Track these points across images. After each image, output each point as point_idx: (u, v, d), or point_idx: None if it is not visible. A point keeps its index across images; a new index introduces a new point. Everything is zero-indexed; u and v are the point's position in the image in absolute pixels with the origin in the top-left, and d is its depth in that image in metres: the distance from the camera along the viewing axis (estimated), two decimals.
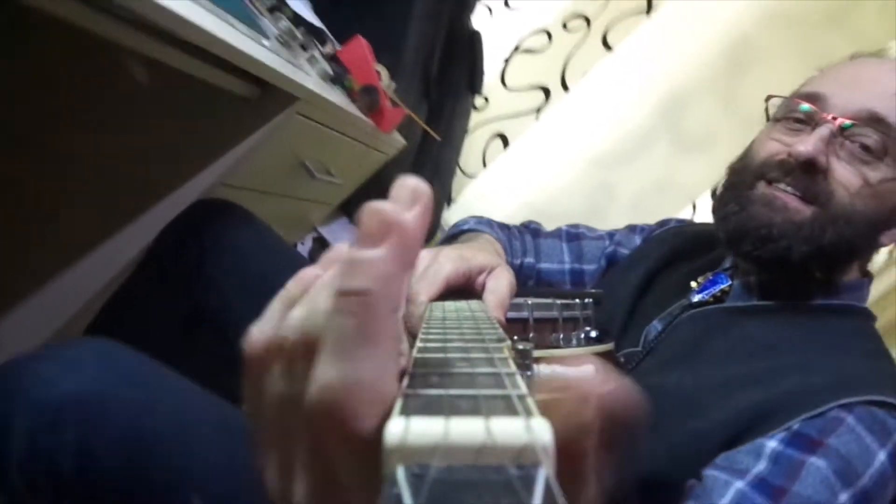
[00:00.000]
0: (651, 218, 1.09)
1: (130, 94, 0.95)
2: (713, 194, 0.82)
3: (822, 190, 0.69)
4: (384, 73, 1.30)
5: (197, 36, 0.71)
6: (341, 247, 0.27)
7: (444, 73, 1.77)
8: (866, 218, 0.69)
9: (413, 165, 1.71)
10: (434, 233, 1.91)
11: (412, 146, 1.61)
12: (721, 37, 1.81)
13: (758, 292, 0.75)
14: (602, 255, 1.00)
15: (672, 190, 1.87)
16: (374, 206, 0.21)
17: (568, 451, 0.18)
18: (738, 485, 0.56)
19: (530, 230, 1.02)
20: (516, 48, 2.09)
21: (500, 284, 0.68)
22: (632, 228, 1.05)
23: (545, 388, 0.22)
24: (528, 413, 0.18)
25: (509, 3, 2.10)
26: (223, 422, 0.60)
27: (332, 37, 1.26)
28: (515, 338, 0.41)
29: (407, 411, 0.18)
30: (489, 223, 0.94)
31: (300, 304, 0.25)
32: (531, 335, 0.67)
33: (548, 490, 0.15)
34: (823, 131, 0.69)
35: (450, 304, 0.60)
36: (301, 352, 0.23)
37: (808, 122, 0.72)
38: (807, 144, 0.68)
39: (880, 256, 1.59)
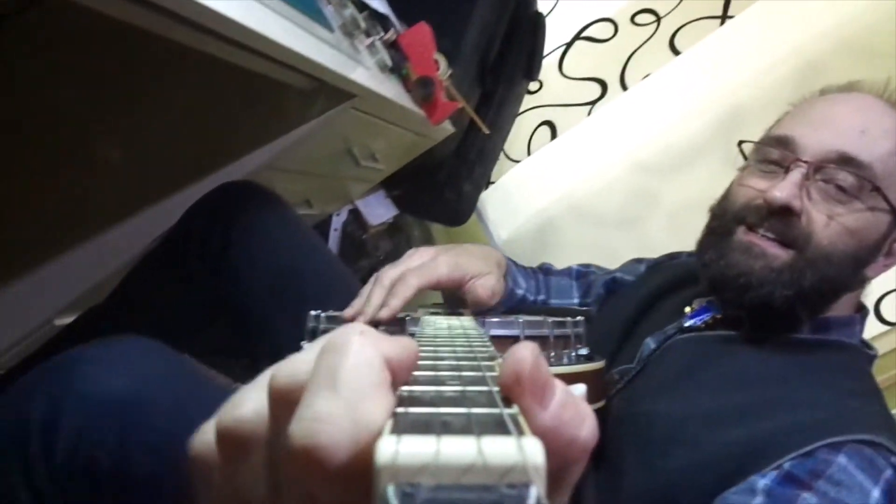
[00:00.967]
0: (685, 234, 1.08)
1: (187, 83, 0.95)
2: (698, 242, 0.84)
3: (800, 233, 0.70)
4: (443, 62, 1.27)
5: (249, 38, 0.70)
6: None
7: (502, 57, 1.72)
8: (846, 256, 0.70)
9: (458, 149, 1.69)
10: (469, 215, 1.90)
11: (459, 131, 1.59)
12: (794, 59, 1.73)
13: (747, 324, 0.75)
14: (601, 284, 1.00)
15: None
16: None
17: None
18: None
19: (542, 270, 1.03)
20: (578, 34, 2.02)
21: (483, 287, 0.75)
22: (638, 260, 1.05)
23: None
24: (520, 432, 0.18)
25: None
26: None
27: (395, 21, 1.23)
28: None
29: (398, 430, 0.18)
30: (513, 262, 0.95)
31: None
32: None
33: None
34: (795, 176, 0.70)
35: (441, 321, 0.61)
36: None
37: (781, 164, 0.73)
38: (781, 190, 0.70)
39: None
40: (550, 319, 0.69)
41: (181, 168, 1.01)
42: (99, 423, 0.53)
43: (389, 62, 1.11)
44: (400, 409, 0.20)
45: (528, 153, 2.05)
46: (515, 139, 2.00)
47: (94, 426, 0.52)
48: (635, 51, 1.95)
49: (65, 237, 0.97)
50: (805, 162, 0.70)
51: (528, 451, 0.17)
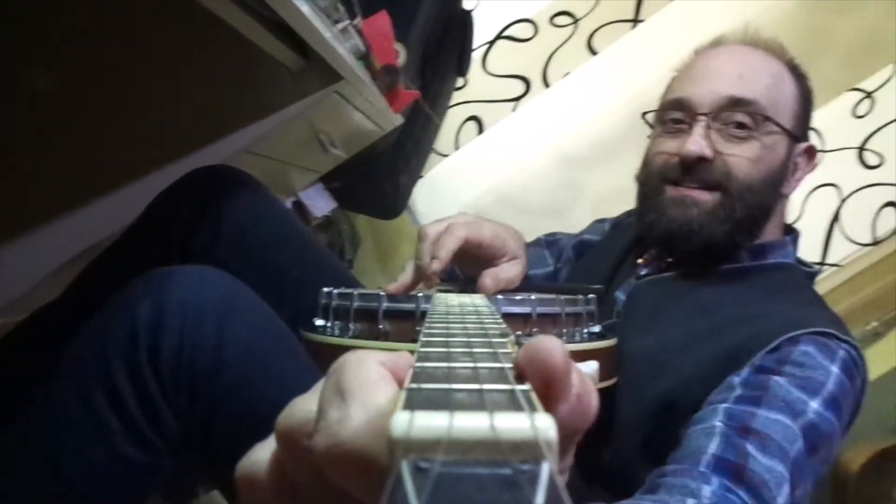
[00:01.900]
0: None
1: (174, 41, 0.90)
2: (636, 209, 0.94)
3: (720, 175, 0.81)
4: (402, 51, 1.29)
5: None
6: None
7: (438, 52, 1.76)
8: (764, 181, 0.81)
9: (397, 141, 1.70)
10: (403, 208, 1.92)
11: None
12: None
13: (697, 262, 0.85)
14: (570, 247, 1.07)
15: (632, 197, 1.96)
16: None
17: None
18: (723, 405, 0.64)
19: None
20: (500, 34, 2.10)
21: (511, 271, 0.78)
22: (600, 220, 1.14)
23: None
24: (532, 408, 0.18)
25: None
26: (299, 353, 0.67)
27: (360, 9, 1.23)
28: (519, 333, 0.44)
29: (411, 405, 0.18)
30: None
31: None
32: (534, 330, 0.69)
33: (551, 485, 0.15)
34: (699, 129, 0.81)
35: (453, 298, 0.63)
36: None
37: (685, 121, 0.83)
38: (692, 144, 0.80)
39: None
40: (563, 297, 0.72)
41: (155, 147, 0.95)
42: (199, 327, 0.56)
43: (363, 48, 1.12)
44: (413, 385, 0.20)
45: (456, 147, 2.10)
46: (443, 134, 2.04)
47: (195, 329, 0.56)
48: (556, 50, 2.05)
49: (8, 226, 0.88)
50: (703, 115, 0.80)
51: (540, 427, 0.17)
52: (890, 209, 1.91)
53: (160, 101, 0.92)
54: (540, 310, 0.69)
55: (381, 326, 0.66)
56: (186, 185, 0.85)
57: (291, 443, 0.23)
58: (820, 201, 1.92)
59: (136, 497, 0.61)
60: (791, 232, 0.90)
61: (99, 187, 0.92)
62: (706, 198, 0.80)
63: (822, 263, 1.94)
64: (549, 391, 0.20)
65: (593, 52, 2.03)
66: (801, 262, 0.88)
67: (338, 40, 0.98)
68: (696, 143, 0.79)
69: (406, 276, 0.71)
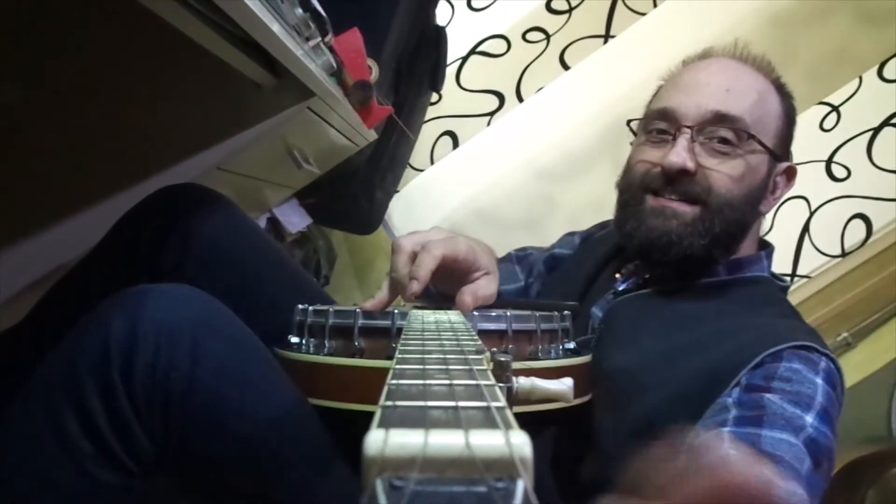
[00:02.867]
0: None
1: (142, 59, 0.89)
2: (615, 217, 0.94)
3: (701, 189, 0.81)
4: (375, 68, 1.29)
5: (243, 17, 0.68)
6: None
7: (411, 68, 1.76)
8: (743, 198, 0.82)
9: (372, 156, 1.70)
10: (379, 223, 1.92)
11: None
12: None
13: (674, 277, 0.86)
14: (541, 261, 1.07)
15: (607, 210, 1.95)
16: None
17: None
18: (725, 429, 0.63)
19: None
20: (473, 49, 2.11)
21: (489, 288, 0.78)
22: (570, 234, 1.15)
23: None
24: (508, 426, 0.18)
25: (472, 3, 2.12)
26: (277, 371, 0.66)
27: (331, 26, 1.23)
28: (494, 349, 0.44)
29: (386, 423, 0.18)
30: None
31: None
32: (510, 347, 0.69)
33: (526, 502, 0.15)
34: (683, 141, 0.81)
35: (429, 315, 0.63)
36: None
37: (669, 132, 0.83)
38: (675, 156, 0.80)
39: None
40: (538, 314, 0.72)
41: (123, 166, 0.94)
42: (173, 346, 0.55)
43: (334, 65, 1.11)
44: (388, 403, 0.20)
45: (432, 162, 2.10)
46: (418, 149, 2.04)
47: (169, 348, 0.55)
48: (529, 65, 2.07)
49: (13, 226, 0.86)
50: (688, 127, 0.81)
51: (515, 444, 0.17)
52: (858, 221, 1.95)
53: (129, 119, 0.91)
54: (515, 326, 0.69)
55: (356, 343, 0.65)
56: (153, 204, 0.84)
57: None
58: (790, 214, 1.95)
59: None
60: (766, 246, 0.90)
61: (64, 208, 0.90)
62: (686, 210, 0.81)
63: (792, 275, 1.96)
64: None
65: (566, 67, 2.05)
66: (774, 275, 0.88)
67: (309, 57, 0.97)
68: (680, 154, 0.79)
69: (382, 293, 0.71)
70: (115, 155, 0.93)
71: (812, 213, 1.97)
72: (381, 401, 0.20)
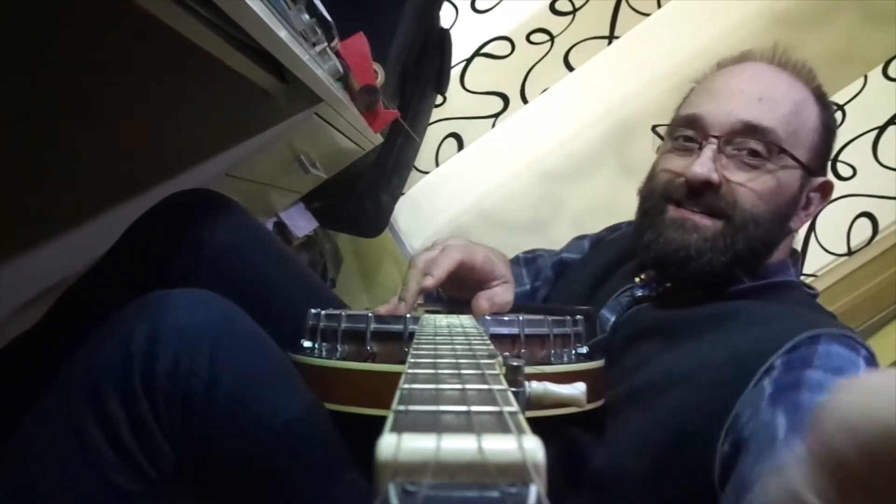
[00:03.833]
0: None
1: (152, 68, 0.89)
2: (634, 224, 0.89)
3: (725, 203, 0.77)
4: (381, 72, 1.30)
5: (251, 24, 0.68)
6: None
7: (416, 71, 1.77)
8: (770, 215, 0.77)
9: (377, 159, 1.70)
10: (385, 226, 1.92)
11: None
12: (673, 75, 1.93)
13: (696, 287, 0.81)
14: (549, 266, 1.06)
15: (613, 212, 1.96)
16: None
17: None
18: (760, 404, 0.58)
19: None
20: (477, 51, 2.12)
21: (505, 296, 0.76)
22: (580, 237, 1.12)
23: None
24: (521, 431, 0.18)
25: (476, 5, 2.12)
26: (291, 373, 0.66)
27: (337, 31, 1.23)
28: (507, 354, 0.44)
29: (399, 428, 0.18)
30: None
31: None
32: (522, 351, 0.69)
33: None
34: (709, 152, 0.77)
35: (441, 320, 0.63)
36: None
37: (696, 140, 0.80)
38: (699, 167, 0.76)
39: None
40: (550, 318, 0.71)
41: (132, 174, 0.94)
42: (194, 351, 0.55)
43: (341, 70, 1.12)
44: (401, 407, 0.20)
45: (437, 164, 2.11)
46: (423, 151, 2.05)
47: (190, 354, 0.55)
48: (533, 67, 2.07)
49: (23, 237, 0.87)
50: (715, 137, 0.76)
51: (528, 449, 0.17)
52: (864, 220, 1.94)
53: (139, 127, 0.92)
54: (528, 331, 0.68)
55: (369, 348, 0.65)
56: (164, 211, 0.84)
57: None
58: None
59: None
60: (794, 254, 0.86)
61: (75, 215, 0.91)
62: (707, 224, 0.77)
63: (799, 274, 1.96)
64: None
65: (570, 69, 2.06)
66: (804, 284, 0.85)
67: (316, 63, 0.98)
68: (704, 166, 0.76)
69: (396, 300, 0.71)
70: (124, 162, 0.94)
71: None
72: (394, 405, 0.20)
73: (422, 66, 1.79)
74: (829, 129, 0.83)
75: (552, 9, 2.07)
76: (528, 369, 0.44)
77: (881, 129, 1.95)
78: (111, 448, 0.53)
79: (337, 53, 1.20)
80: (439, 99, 2.05)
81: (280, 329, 0.79)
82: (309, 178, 1.29)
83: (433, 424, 0.18)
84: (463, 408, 0.20)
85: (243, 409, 0.57)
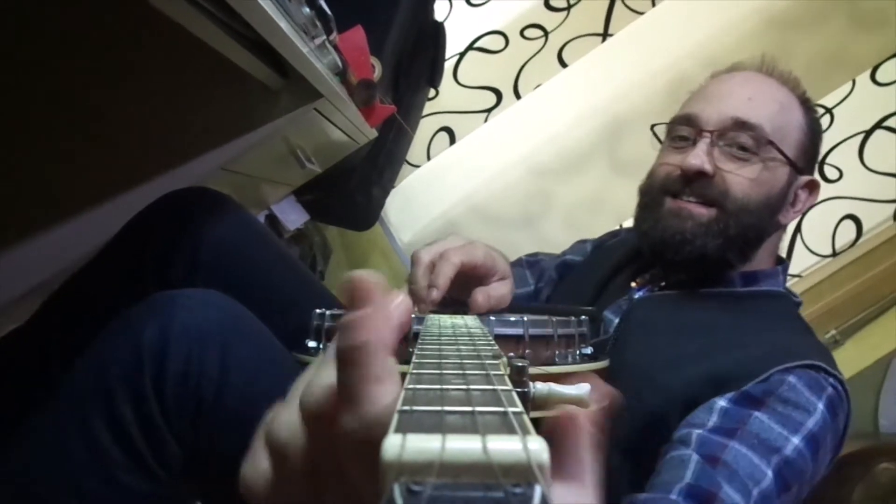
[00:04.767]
0: (578, 230, 1.20)
1: (152, 58, 0.88)
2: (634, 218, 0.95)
3: (718, 192, 0.83)
4: (378, 66, 1.29)
5: (254, 16, 0.67)
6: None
7: (410, 64, 1.76)
8: (760, 204, 0.84)
9: (370, 153, 1.69)
10: (376, 219, 1.92)
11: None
12: (665, 73, 1.95)
13: (689, 282, 0.87)
14: (553, 268, 1.08)
15: (603, 209, 2.00)
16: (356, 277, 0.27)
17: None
18: (698, 432, 0.66)
19: None
20: (471, 45, 2.11)
21: (502, 290, 0.76)
22: (582, 241, 1.16)
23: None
24: (525, 431, 0.18)
25: None
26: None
27: (335, 25, 1.22)
28: (511, 355, 0.45)
29: (403, 428, 0.18)
30: None
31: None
32: (527, 352, 0.70)
33: None
34: (703, 145, 0.84)
35: (446, 320, 0.63)
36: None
37: (690, 138, 0.86)
38: (694, 158, 0.83)
39: None
40: (555, 319, 0.70)
41: (129, 166, 0.93)
42: (204, 352, 0.56)
43: (340, 64, 1.11)
44: (405, 408, 0.20)
45: (428, 158, 2.10)
46: (415, 145, 2.04)
47: (200, 355, 0.56)
48: (526, 62, 2.07)
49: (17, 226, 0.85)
50: (709, 132, 0.83)
51: (532, 449, 0.17)
52: (848, 222, 1.97)
53: (137, 119, 0.91)
54: (532, 331, 0.67)
55: None
56: (162, 209, 0.82)
57: (320, 423, 0.24)
58: None
59: None
60: (781, 262, 0.92)
61: (69, 208, 0.90)
62: (702, 212, 0.83)
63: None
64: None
65: (564, 65, 2.06)
66: (789, 291, 0.90)
67: (316, 57, 0.97)
68: (698, 157, 0.82)
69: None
70: (121, 155, 0.92)
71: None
72: (398, 405, 0.20)
73: (416, 60, 1.78)
74: (814, 132, 0.90)
75: (547, 5, 2.07)
76: (533, 370, 0.44)
77: (868, 133, 1.98)
78: (120, 448, 0.53)
79: (335, 47, 1.19)
80: (432, 92, 2.05)
81: (281, 327, 0.78)
82: (304, 171, 1.29)
83: (438, 425, 0.18)
84: (468, 408, 0.20)
85: (252, 409, 0.57)
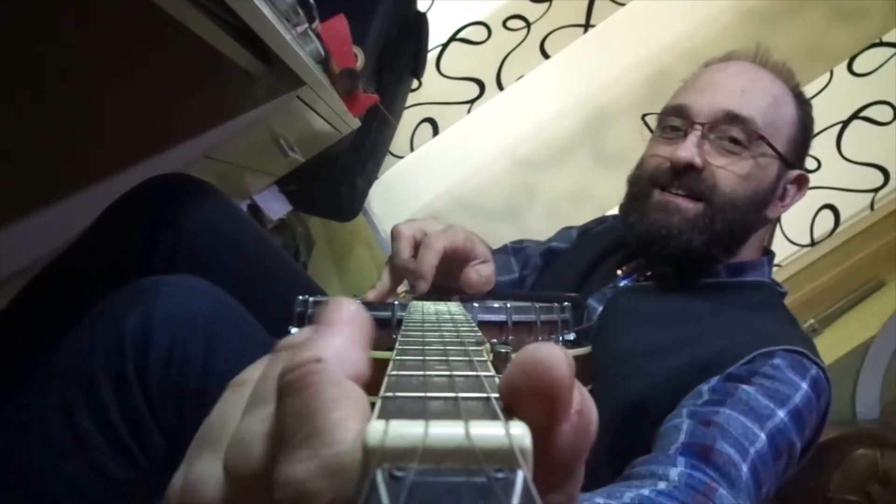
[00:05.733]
0: (561, 222, 1.21)
1: (134, 43, 0.86)
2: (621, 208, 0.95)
3: (706, 186, 0.82)
4: (361, 55, 1.28)
5: (240, 4, 0.67)
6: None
7: (393, 55, 1.75)
8: (747, 199, 0.83)
9: (353, 143, 1.69)
10: (359, 210, 1.91)
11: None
12: (647, 65, 1.96)
13: (674, 274, 0.87)
14: (538, 255, 1.09)
15: (587, 200, 2.01)
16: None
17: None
18: (690, 408, 0.66)
19: None
20: (454, 36, 2.11)
21: (488, 269, 0.76)
22: (567, 228, 1.16)
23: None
24: (508, 417, 0.18)
25: None
26: None
27: (318, 13, 1.21)
28: (494, 341, 0.45)
29: (386, 414, 0.18)
30: None
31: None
32: (510, 338, 0.70)
33: (526, 493, 0.15)
34: (693, 137, 0.82)
35: (429, 306, 0.64)
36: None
37: (681, 129, 0.85)
38: (683, 150, 0.81)
39: None
40: (538, 305, 0.71)
41: (109, 153, 0.92)
42: (188, 339, 0.55)
43: (322, 53, 1.10)
44: (388, 394, 0.20)
45: (412, 149, 2.10)
46: (398, 136, 2.04)
47: (184, 342, 0.55)
48: (509, 53, 2.07)
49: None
50: (700, 124, 0.82)
51: (514, 435, 0.17)
52: (827, 211, 2.00)
53: (118, 105, 0.89)
54: (516, 318, 0.68)
55: None
56: (144, 195, 0.82)
57: (248, 486, 0.19)
58: None
59: None
60: (768, 253, 0.92)
61: (48, 195, 0.88)
62: (689, 206, 0.82)
63: None
64: (550, 409, 0.18)
65: (546, 56, 2.06)
66: (775, 282, 0.90)
67: (298, 44, 0.97)
68: (688, 149, 0.81)
69: (384, 282, 0.71)
70: (102, 141, 0.91)
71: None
72: (382, 392, 0.20)
73: (399, 50, 1.77)
74: (805, 125, 0.89)
75: None
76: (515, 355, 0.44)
77: (845, 124, 2.00)
78: (102, 435, 0.53)
79: (318, 36, 1.18)
80: (415, 83, 2.04)
81: (263, 314, 0.78)
82: (286, 161, 1.28)
83: (421, 411, 0.18)
84: (451, 394, 0.20)
85: None
